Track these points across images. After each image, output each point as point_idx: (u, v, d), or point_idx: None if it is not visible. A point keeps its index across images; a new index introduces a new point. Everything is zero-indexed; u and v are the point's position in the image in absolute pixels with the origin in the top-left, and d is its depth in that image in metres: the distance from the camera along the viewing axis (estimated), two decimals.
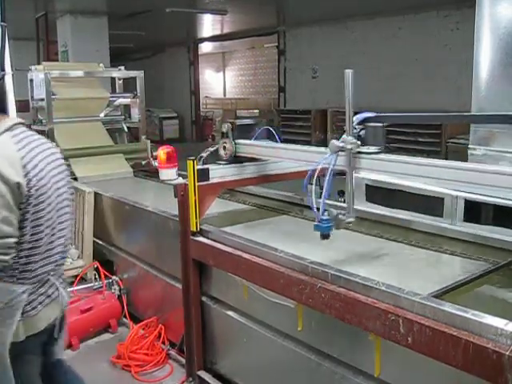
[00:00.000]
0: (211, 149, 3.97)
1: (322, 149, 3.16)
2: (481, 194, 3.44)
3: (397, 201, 3.94)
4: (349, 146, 2.83)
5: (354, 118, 2.90)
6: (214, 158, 3.91)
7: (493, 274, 2.80)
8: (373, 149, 2.87)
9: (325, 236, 2.94)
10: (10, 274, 2.48)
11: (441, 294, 2.44)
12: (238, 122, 3.91)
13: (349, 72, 2.85)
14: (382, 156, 2.85)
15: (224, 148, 3.83)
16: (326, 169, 2.89)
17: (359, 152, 2.86)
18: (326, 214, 2.91)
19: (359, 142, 2.86)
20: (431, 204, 3.75)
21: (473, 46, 3.84)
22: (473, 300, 2.54)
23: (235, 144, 3.80)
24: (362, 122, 2.92)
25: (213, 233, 3.51)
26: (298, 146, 3.55)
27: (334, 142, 2.87)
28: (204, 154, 3.89)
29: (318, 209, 2.91)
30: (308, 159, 3.26)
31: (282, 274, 2.83)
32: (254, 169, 3.94)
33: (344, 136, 2.86)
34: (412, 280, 2.68)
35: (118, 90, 7.27)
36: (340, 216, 2.91)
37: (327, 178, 2.87)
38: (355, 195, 4.24)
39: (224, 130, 3.82)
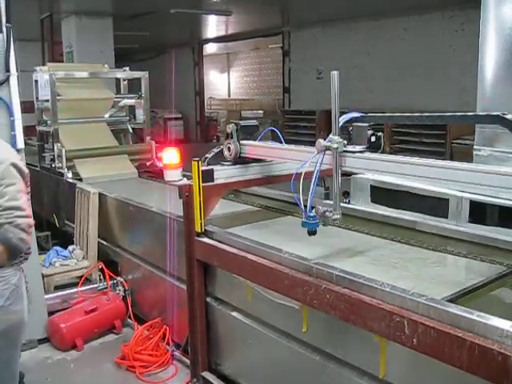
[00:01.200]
0: (216, 150, 3.99)
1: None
2: (486, 195, 3.43)
3: (401, 202, 3.93)
4: (335, 145, 2.95)
5: (341, 118, 3.03)
6: (219, 158, 3.93)
7: (508, 278, 2.77)
8: (358, 148, 3.02)
9: (312, 232, 3.05)
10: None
11: (456, 298, 2.41)
12: (242, 122, 3.91)
13: (335, 73, 2.94)
14: (367, 154, 2.98)
15: (229, 149, 3.84)
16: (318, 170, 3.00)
17: (345, 151, 2.98)
18: (313, 211, 3.01)
19: (345, 142, 2.99)
20: (436, 205, 3.74)
21: (477, 47, 3.84)
22: (488, 304, 2.51)
23: (239, 145, 3.80)
24: (349, 121, 3.08)
25: (217, 234, 3.52)
26: (293, 146, 3.61)
27: (321, 141, 3.00)
28: (208, 155, 3.91)
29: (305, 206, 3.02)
30: (303, 159, 3.23)
31: (286, 274, 2.83)
32: (259, 170, 3.94)
33: (330, 135, 2.98)
34: (426, 284, 2.66)
35: (122, 91, 7.29)
36: (327, 213, 3.00)
37: (314, 175, 2.97)
38: (360, 196, 4.28)
39: (229, 130, 3.84)
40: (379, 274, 2.62)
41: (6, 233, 2.69)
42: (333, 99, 2.98)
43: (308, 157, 3.09)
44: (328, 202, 3.59)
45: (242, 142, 3.82)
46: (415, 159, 2.81)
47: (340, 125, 3.03)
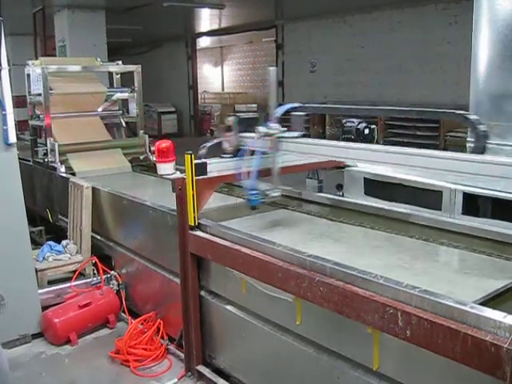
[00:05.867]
0: (216, 141, 4.14)
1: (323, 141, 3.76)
2: (479, 188, 3.43)
3: (395, 194, 3.93)
4: (272, 132, 3.43)
5: (278, 109, 3.58)
6: (219, 151, 4.01)
7: None
8: (295, 134, 3.58)
9: (254, 207, 3.56)
10: None
11: (488, 301, 2.34)
12: (242, 115, 4.08)
13: (273, 69, 3.49)
14: (301, 140, 3.63)
15: (228, 142, 3.98)
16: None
17: (282, 137, 3.49)
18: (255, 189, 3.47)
19: (283, 128, 3.49)
20: (429, 198, 3.75)
21: (471, 39, 3.84)
22: None
23: (239, 137, 3.96)
24: (288, 111, 3.64)
25: (211, 227, 3.51)
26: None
27: (260, 128, 3.46)
28: (208, 144, 4.08)
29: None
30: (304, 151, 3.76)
31: (280, 267, 2.82)
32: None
33: (269, 123, 3.47)
34: (459, 288, 2.59)
35: (115, 85, 7.25)
36: (267, 191, 3.48)
37: (256, 158, 3.46)
38: (353, 189, 4.27)
39: (228, 123, 3.98)
40: (411, 279, 2.45)
41: None
42: (271, 92, 3.50)
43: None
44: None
45: (242, 134, 3.97)
46: (341, 143, 3.61)
47: (277, 115, 3.55)
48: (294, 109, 3.67)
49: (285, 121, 3.82)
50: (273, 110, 3.48)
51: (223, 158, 3.93)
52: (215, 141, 4.09)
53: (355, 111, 3.94)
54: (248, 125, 3.95)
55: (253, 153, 3.59)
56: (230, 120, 3.96)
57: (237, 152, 3.86)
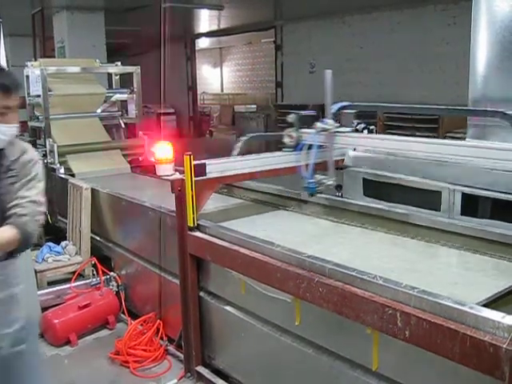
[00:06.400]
0: (245, 138, 4.60)
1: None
2: (478, 188, 3.44)
3: (394, 195, 3.94)
4: (328, 127, 3.90)
5: (333, 107, 4.01)
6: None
7: None
8: (347, 129, 4.06)
9: (312, 194, 3.98)
10: None
11: (491, 303, 2.34)
12: (303, 112, 4.41)
13: (329, 72, 3.91)
14: (353, 134, 4.10)
15: (290, 136, 4.21)
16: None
17: (336, 131, 3.96)
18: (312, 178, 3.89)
19: (337, 124, 3.97)
20: (428, 198, 3.75)
21: (470, 40, 3.85)
22: None
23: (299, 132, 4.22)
24: (340, 109, 4.08)
25: (210, 228, 3.51)
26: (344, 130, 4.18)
27: (318, 123, 3.93)
28: (240, 143, 4.49)
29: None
30: (357, 143, 4.19)
31: (279, 268, 2.83)
32: (251, 163, 3.94)
33: (325, 119, 3.95)
34: (450, 286, 2.60)
35: (114, 86, 7.25)
36: (323, 180, 3.90)
37: (314, 150, 3.88)
38: (353, 190, 4.28)
39: (290, 120, 4.28)
40: (414, 281, 2.40)
41: (26, 225, 2.47)
42: (327, 92, 3.94)
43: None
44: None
45: (302, 130, 4.23)
46: (389, 136, 4.07)
47: (332, 111, 3.98)
48: (345, 107, 4.09)
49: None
50: (328, 107, 3.94)
51: (284, 151, 4.24)
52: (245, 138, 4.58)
53: (402, 109, 4.56)
54: (305, 121, 4.26)
55: (310, 146, 3.96)
56: (291, 117, 4.27)
57: (296, 146, 4.14)
